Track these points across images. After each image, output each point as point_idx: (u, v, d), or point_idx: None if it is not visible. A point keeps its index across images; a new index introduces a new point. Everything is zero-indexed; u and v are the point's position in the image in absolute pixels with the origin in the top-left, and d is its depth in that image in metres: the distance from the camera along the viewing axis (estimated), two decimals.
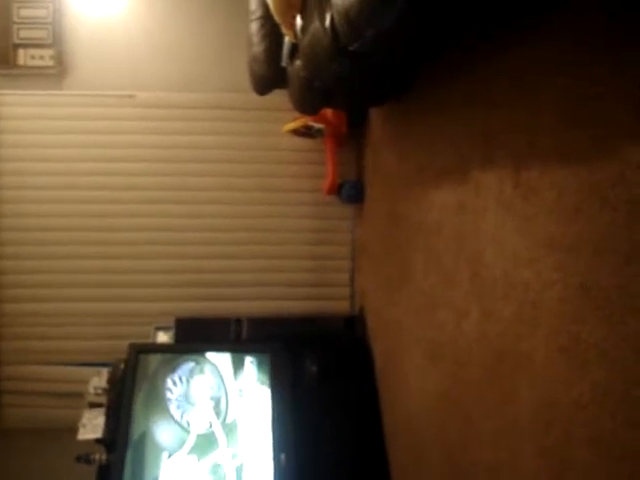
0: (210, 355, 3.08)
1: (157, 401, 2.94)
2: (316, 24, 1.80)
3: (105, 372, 3.11)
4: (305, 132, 3.32)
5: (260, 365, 3.04)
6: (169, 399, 2.95)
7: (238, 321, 3.43)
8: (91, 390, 3.04)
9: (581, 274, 1.28)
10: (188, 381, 3.02)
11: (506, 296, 1.64)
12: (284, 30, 2.16)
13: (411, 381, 2.51)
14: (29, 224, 3.44)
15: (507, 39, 1.62)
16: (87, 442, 2.86)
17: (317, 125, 3.22)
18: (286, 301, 3.56)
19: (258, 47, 2.59)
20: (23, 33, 3.42)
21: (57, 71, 3.46)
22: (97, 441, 2.85)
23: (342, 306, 3.61)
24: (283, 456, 2.69)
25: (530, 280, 1.50)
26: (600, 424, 1.21)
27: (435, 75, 2.14)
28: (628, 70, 1.13)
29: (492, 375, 1.71)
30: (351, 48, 1.68)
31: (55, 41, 3.42)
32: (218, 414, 2.93)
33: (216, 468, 2.78)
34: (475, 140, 1.84)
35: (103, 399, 3.01)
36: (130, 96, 3.46)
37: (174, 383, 3.00)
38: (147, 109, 3.47)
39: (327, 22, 1.70)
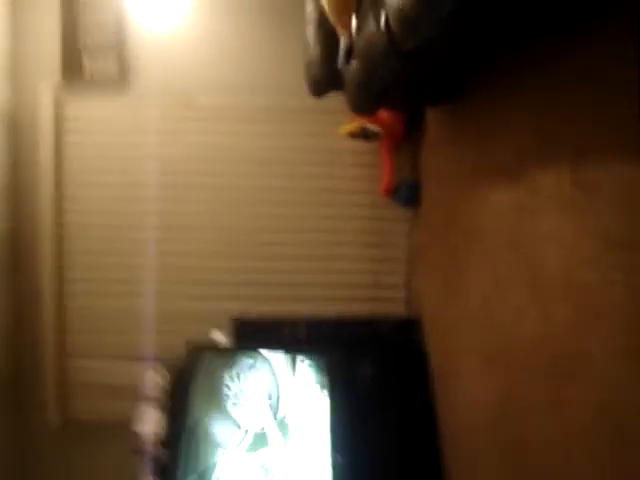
0: (266, 353, 3.11)
1: (214, 397, 2.98)
2: (371, 24, 1.80)
3: (161, 368, 3.18)
4: (361, 134, 3.30)
5: (316, 366, 3.05)
6: (226, 395, 2.99)
7: (294, 322, 3.43)
8: (148, 385, 3.12)
9: None
10: (245, 378, 3.05)
11: (565, 297, 1.60)
12: (339, 31, 2.17)
13: (467, 385, 2.47)
14: (95, 221, 3.58)
15: (566, 38, 1.58)
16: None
17: (373, 127, 3.22)
18: (341, 302, 3.57)
19: (314, 50, 2.60)
20: (88, 40, 3.52)
21: (120, 78, 3.56)
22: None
23: (397, 309, 3.59)
24: (338, 456, 2.69)
25: (590, 280, 1.46)
26: None
27: (492, 74, 2.11)
28: None
29: (549, 378, 1.67)
30: (407, 47, 1.68)
31: (118, 47, 3.53)
32: (273, 412, 2.95)
33: (269, 465, 2.80)
34: (530, 136, 1.81)
35: (159, 394, 3.08)
36: (190, 99, 3.55)
37: (231, 379, 3.04)
38: (206, 112, 3.55)
39: (382, 21, 1.70)
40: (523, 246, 1.86)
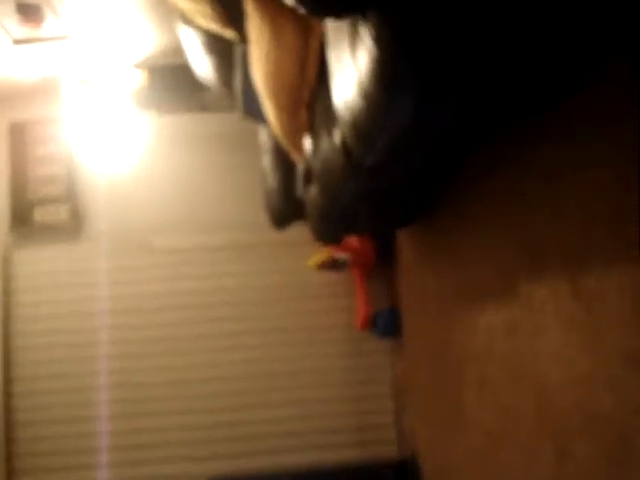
0: None
1: None
2: (325, 143, 1.69)
3: None
4: (331, 265, 3.21)
5: None
6: None
7: (277, 477, 3.20)
8: None
9: None
10: None
11: (583, 429, 1.38)
12: (294, 155, 2.07)
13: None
14: (44, 387, 3.33)
15: (536, 134, 1.48)
16: None
17: (342, 256, 3.13)
18: (328, 450, 3.31)
19: (272, 179, 2.54)
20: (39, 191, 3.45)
21: (72, 225, 3.46)
22: None
23: (390, 451, 3.34)
24: None
25: (610, 407, 1.26)
26: None
27: (465, 184, 2.00)
28: None
29: None
30: (366, 163, 1.54)
31: (70, 197, 3.45)
32: None
33: None
34: (516, 250, 1.67)
35: None
36: (147, 244, 3.43)
37: None
38: (165, 255, 3.44)
39: (337, 138, 1.58)
40: (526, 372, 1.67)
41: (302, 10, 1.10)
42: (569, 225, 1.39)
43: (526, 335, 1.65)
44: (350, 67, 1.28)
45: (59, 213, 3.42)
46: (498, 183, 1.76)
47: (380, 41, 1.09)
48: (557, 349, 1.48)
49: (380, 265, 3.30)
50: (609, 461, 1.27)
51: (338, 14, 1.15)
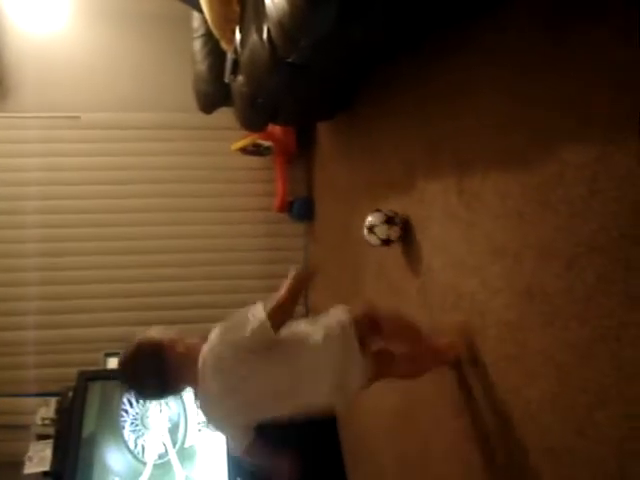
0: None
1: (110, 427, 2.83)
2: (254, 37, 1.77)
3: (53, 402, 3.00)
4: (254, 150, 3.27)
5: None
6: (124, 421, 2.84)
7: None
8: (38, 421, 2.93)
9: (526, 280, 1.25)
10: (144, 403, 2.90)
11: (455, 307, 1.61)
12: (224, 45, 2.13)
13: (366, 398, 2.46)
14: None
15: (444, 47, 1.61)
16: (34, 476, 2.75)
17: (265, 143, 3.19)
18: None
19: (202, 64, 2.55)
20: None
21: None
22: (44, 474, 2.74)
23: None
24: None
25: (477, 289, 1.48)
26: (550, 433, 1.19)
27: (380, 86, 2.12)
28: (566, 70, 1.12)
29: (443, 387, 1.68)
30: (289, 60, 1.66)
31: None
32: (175, 439, 2.83)
33: None
34: (419, 149, 1.82)
35: (51, 430, 2.90)
36: (75, 117, 3.36)
37: (130, 403, 2.89)
38: (93, 130, 3.37)
39: (264, 34, 1.68)
40: (414, 257, 1.86)
41: None
42: (463, 131, 1.52)
43: (418, 226, 1.82)
44: None
45: None
46: (409, 89, 1.87)
47: None
48: (439, 239, 1.67)
49: (300, 154, 3.39)
50: (471, 330, 1.51)
51: None
